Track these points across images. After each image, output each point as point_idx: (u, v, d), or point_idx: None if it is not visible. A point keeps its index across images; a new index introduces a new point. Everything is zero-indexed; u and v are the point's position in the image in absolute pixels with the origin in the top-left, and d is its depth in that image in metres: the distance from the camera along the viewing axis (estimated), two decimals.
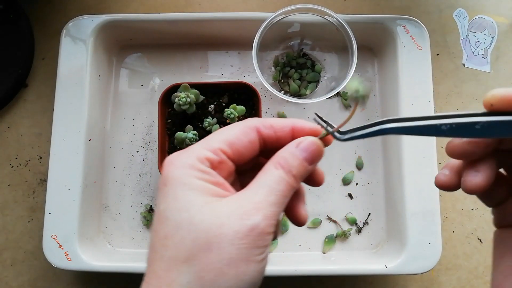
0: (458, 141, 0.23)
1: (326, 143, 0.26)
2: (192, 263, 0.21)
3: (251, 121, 0.26)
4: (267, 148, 0.26)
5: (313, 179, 0.28)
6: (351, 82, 0.24)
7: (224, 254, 0.21)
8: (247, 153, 0.26)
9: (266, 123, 0.26)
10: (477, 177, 0.23)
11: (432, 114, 0.21)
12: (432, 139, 0.49)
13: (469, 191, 0.23)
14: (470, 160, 0.23)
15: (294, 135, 0.26)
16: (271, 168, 0.25)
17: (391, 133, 0.24)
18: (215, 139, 0.25)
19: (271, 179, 0.24)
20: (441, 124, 0.21)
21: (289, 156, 0.25)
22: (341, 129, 0.25)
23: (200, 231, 0.22)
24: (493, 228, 0.52)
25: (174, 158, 0.24)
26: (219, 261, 0.21)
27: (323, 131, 0.26)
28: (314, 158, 0.25)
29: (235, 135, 0.25)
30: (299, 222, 0.28)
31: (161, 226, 0.23)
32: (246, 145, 0.25)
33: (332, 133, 0.26)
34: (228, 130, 0.26)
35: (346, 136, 0.25)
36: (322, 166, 0.28)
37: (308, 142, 0.25)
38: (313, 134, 0.26)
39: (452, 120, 0.21)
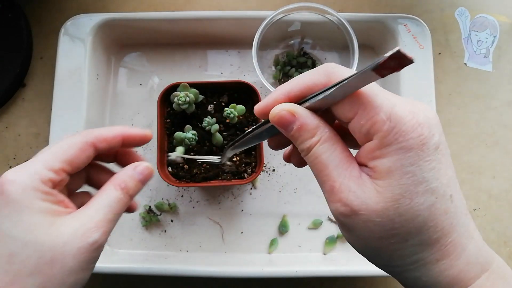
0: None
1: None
2: (37, 276, 0.25)
3: (87, 137, 0.29)
4: (100, 154, 0.31)
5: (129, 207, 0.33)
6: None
7: (66, 267, 0.26)
8: (83, 165, 0.29)
9: (101, 138, 0.30)
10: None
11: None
12: None
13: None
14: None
15: (124, 142, 0.31)
16: (111, 188, 0.29)
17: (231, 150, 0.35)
18: (56, 158, 0.28)
19: (111, 199, 0.28)
20: (250, 137, 0.31)
21: (128, 179, 0.30)
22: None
23: (46, 250, 0.25)
24: (495, 229, 0.52)
25: (15, 177, 0.26)
26: (62, 272, 0.25)
27: None
28: (147, 179, 0.31)
29: (75, 153, 0.28)
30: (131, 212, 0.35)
31: (5, 244, 0.25)
32: (84, 160, 0.29)
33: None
34: (68, 147, 0.28)
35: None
36: None
37: (143, 166, 0.31)
38: (141, 138, 0.32)
39: (254, 132, 0.30)
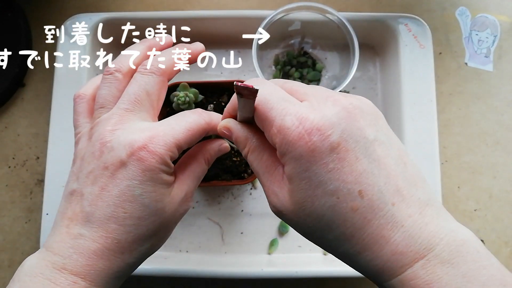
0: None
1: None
2: (153, 238, 0.29)
3: (209, 125, 0.31)
4: None
5: None
6: None
7: (171, 229, 0.31)
8: None
9: (213, 127, 0.32)
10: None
11: None
12: (435, 139, 0.49)
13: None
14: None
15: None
16: (202, 162, 0.33)
17: None
18: (185, 139, 0.30)
19: (201, 172, 0.33)
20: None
21: (214, 155, 0.34)
22: None
23: (166, 218, 0.29)
24: (496, 229, 0.51)
25: (155, 148, 0.28)
26: (167, 234, 0.31)
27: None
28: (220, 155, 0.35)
29: (197, 139, 0.31)
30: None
31: (137, 209, 0.28)
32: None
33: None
34: (194, 132, 0.30)
35: None
36: None
37: (225, 146, 0.35)
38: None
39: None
